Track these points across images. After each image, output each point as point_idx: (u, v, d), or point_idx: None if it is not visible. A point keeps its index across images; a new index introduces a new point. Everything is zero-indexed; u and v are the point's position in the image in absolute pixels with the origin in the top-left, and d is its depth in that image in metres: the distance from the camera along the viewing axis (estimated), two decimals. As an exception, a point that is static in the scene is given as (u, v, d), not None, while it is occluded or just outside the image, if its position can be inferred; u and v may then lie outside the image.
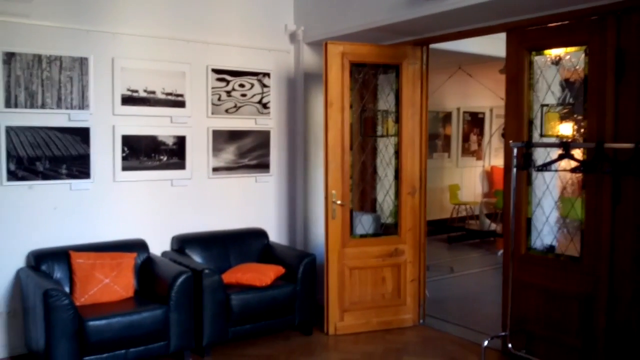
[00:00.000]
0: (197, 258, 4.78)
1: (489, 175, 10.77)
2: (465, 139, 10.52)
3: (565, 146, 3.72)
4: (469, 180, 10.54)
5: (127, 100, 4.67)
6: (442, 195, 10.11)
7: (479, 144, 10.73)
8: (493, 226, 9.33)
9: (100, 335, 3.74)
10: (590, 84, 3.85)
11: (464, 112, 10.43)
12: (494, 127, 10.63)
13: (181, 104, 4.93)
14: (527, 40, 4.21)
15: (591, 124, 3.84)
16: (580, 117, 4.00)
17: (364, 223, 5.12)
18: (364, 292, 4.92)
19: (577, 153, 3.91)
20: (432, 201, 9.45)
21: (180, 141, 4.94)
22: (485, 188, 10.77)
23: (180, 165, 4.95)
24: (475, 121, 10.61)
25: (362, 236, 5.02)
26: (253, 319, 4.45)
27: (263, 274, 4.55)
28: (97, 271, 4.17)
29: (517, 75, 4.27)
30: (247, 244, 5.09)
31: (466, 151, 10.57)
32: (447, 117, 10.27)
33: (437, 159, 10.07)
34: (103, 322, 3.77)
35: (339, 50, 4.76)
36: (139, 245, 4.59)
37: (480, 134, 10.72)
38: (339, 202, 4.78)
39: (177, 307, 4.05)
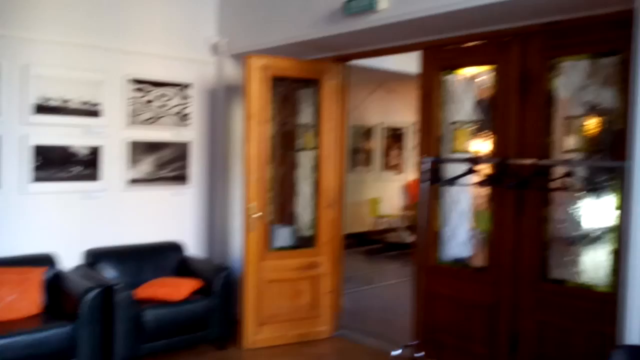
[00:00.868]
0: (110, 273, 4.65)
1: (408, 189, 11.06)
2: (387, 153, 10.79)
3: (472, 162, 3.90)
4: (389, 193, 10.79)
5: (41, 109, 4.50)
6: (363, 208, 10.29)
7: (400, 159, 11.02)
8: (411, 238, 9.58)
9: (1, 356, 3.56)
10: (497, 103, 4.06)
11: (385, 128, 10.69)
12: (413, 142, 10.95)
13: (97, 114, 4.80)
14: (439, 59, 4.40)
15: (497, 141, 4.05)
16: (488, 134, 4.21)
17: (283, 236, 5.15)
18: (281, 304, 4.93)
19: (485, 168, 4.10)
20: (354, 214, 9.64)
21: (96, 152, 4.80)
22: (405, 201, 11.05)
23: (95, 176, 4.81)
24: (396, 136, 10.90)
25: (280, 249, 5.05)
26: (167, 335, 4.37)
27: (178, 288, 4.49)
28: (1, 287, 3.98)
29: (429, 93, 4.44)
30: (162, 257, 5.00)
31: (387, 165, 10.83)
32: (369, 132, 10.49)
33: (359, 173, 10.25)
34: (4, 341, 3.58)
35: (260, 63, 4.79)
36: (48, 260, 4.41)
37: (401, 148, 11.01)
38: (257, 214, 4.79)
39: (87, 324, 3.92)
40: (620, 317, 2.93)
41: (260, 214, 4.80)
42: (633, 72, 2.88)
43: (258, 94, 4.78)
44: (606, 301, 3.39)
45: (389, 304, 6.33)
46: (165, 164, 5.25)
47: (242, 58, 5.03)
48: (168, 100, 5.23)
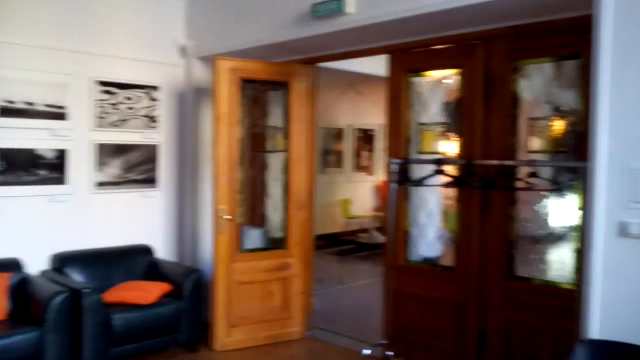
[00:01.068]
0: (78, 277, 4.59)
1: (379, 190, 11.15)
2: (357, 154, 10.85)
3: (439, 163, 3.96)
4: (360, 194, 10.86)
5: (5, 111, 4.43)
6: (335, 209, 10.34)
7: (370, 160, 11.09)
8: (382, 238, 9.65)
9: (-35, 362, 3.50)
10: (463, 105, 4.13)
11: (356, 129, 10.76)
12: (383, 143, 11.03)
13: (63, 117, 4.74)
14: (407, 62, 4.45)
15: (464, 142, 4.12)
16: (454, 135, 4.27)
17: (253, 238, 5.15)
18: (252, 306, 4.93)
19: (451, 169, 4.16)
20: (325, 215, 9.69)
21: (62, 155, 4.74)
22: (376, 202, 11.13)
23: (61, 180, 4.75)
24: (366, 138, 10.97)
25: (250, 251, 5.05)
26: (137, 338, 4.33)
27: (147, 292, 4.45)
28: (-36, 293, 3.91)
29: (397, 95, 4.49)
30: (131, 261, 4.96)
31: (358, 166, 10.90)
32: (339, 134, 10.54)
33: (330, 174, 10.29)
34: (-32, 347, 3.52)
35: (228, 66, 4.79)
36: (13, 265, 4.34)
37: (371, 150, 11.09)
38: (227, 217, 4.79)
39: (54, 329, 3.87)
40: (582, 313, 3.01)
41: (230, 216, 4.79)
42: (593, 75, 2.96)
43: (227, 96, 4.78)
44: (570, 298, 3.48)
45: (360, 304, 6.37)
46: (133, 166, 5.21)
47: (210, 60, 5.02)
48: (136, 102, 5.19)
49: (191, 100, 5.47)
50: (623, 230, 2.86)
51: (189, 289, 4.62)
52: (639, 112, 2.81)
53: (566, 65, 3.74)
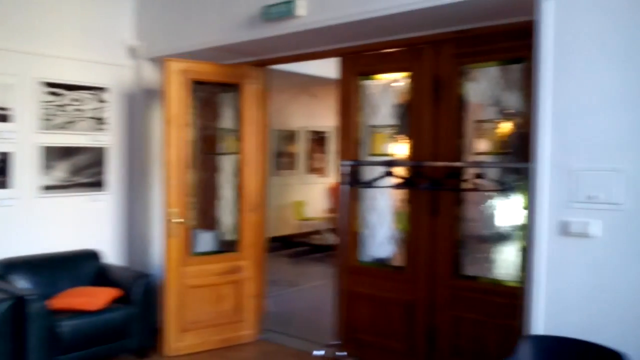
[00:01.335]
0: (23, 284, 4.44)
1: (332, 192, 11.20)
2: (310, 156, 10.88)
3: (389, 165, 4.02)
4: (313, 196, 10.88)
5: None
6: (288, 211, 10.34)
7: (323, 162, 11.14)
8: (335, 240, 9.69)
9: None
10: (412, 108, 4.20)
11: (309, 131, 10.79)
12: (336, 145, 11.09)
13: (7, 119, 4.60)
14: (358, 65, 4.51)
15: (413, 144, 4.19)
16: (403, 138, 4.35)
17: (205, 241, 5.11)
18: (204, 310, 4.89)
19: (401, 170, 4.23)
20: (278, 217, 9.68)
21: (5, 158, 4.59)
22: (329, 204, 11.18)
23: (5, 184, 4.60)
24: (319, 140, 11.02)
25: (202, 254, 5.00)
26: (85, 346, 4.23)
27: (95, 298, 4.36)
28: None
29: (348, 98, 4.54)
30: (79, 266, 4.84)
31: (311, 168, 10.93)
32: (292, 136, 10.55)
33: (283, 176, 10.29)
34: None
35: (179, 67, 4.74)
36: (-47, 272, 4.19)
37: (324, 152, 11.14)
38: (178, 220, 4.73)
39: (-3, 337, 3.75)
40: (527, 310, 3.11)
41: (182, 219, 4.74)
42: (535, 79, 3.07)
43: (177, 98, 4.73)
44: (516, 295, 3.58)
45: (313, 306, 6.39)
46: (81, 169, 5.09)
47: (161, 62, 4.96)
48: (83, 104, 5.08)
49: (141, 102, 5.39)
50: (565, 229, 2.97)
51: (139, 294, 4.55)
52: (578, 115, 2.92)
53: (510, 68, 3.86)
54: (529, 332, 3.06)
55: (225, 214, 5.28)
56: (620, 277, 2.81)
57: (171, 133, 4.70)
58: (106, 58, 5.23)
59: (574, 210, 2.95)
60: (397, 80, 4.45)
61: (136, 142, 5.42)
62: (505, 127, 3.95)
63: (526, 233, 3.40)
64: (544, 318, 3.04)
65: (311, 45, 4.58)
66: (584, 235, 2.91)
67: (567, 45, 2.96)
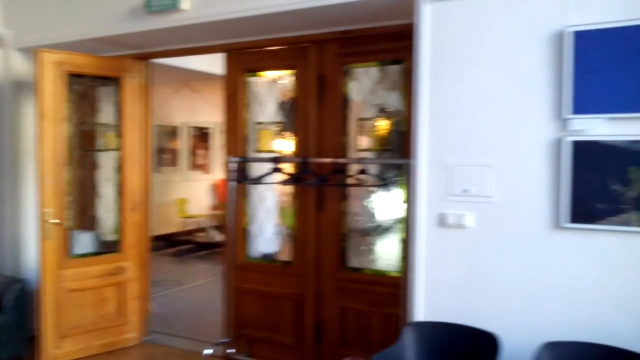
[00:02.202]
0: None
1: (216, 189, 11.09)
2: (193, 153, 10.69)
3: (276, 161, 4.06)
4: (197, 193, 10.71)
5: None
6: (171, 209, 10.10)
7: (206, 158, 10.99)
8: (220, 237, 9.63)
9: None
10: (297, 105, 4.28)
11: (192, 127, 10.59)
12: (220, 141, 10.99)
13: None
14: (243, 61, 4.50)
15: (299, 141, 4.27)
16: (290, 134, 4.41)
17: (84, 242, 4.87)
18: (85, 314, 4.67)
19: (288, 167, 4.30)
20: (161, 215, 9.43)
21: None
22: (213, 201, 11.06)
23: None
24: (202, 136, 10.85)
25: (81, 256, 4.76)
26: (-51, 359, 3.92)
27: (-39, 306, 4.03)
28: None
29: (234, 94, 4.53)
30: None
31: (194, 165, 10.74)
32: (174, 132, 10.31)
33: (165, 173, 10.03)
34: None
35: (53, 59, 4.48)
36: None
37: (207, 148, 10.99)
38: (54, 220, 4.48)
39: None
40: (409, 298, 3.29)
41: (58, 220, 4.49)
42: (414, 80, 3.24)
43: (52, 92, 4.47)
44: (398, 285, 3.77)
45: (200, 305, 6.31)
46: (-60, 168, 4.66)
47: (32, 52, 4.65)
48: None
49: (10, 96, 5.01)
50: (442, 221, 3.18)
51: (11, 301, 4.26)
52: (454, 114, 3.14)
53: (390, 69, 4.04)
54: (411, 319, 3.24)
55: (106, 213, 5.06)
56: (491, 264, 3.06)
57: (46, 128, 4.43)
58: (-32, 47, 4.82)
59: (451, 203, 3.16)
60: (283, 78, 4.50)
61: (5, 138, 5.03)
62: (386, 125, 4.13)
63: (406, 225, 3.60)
64: (425, 305, 3.24)
65: (196, 39, 4.51)
66: (459, 226, 3.13)
67: (444, 48, 3.16)
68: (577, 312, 2.85)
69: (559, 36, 2.86)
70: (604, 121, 2.76)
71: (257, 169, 4.50)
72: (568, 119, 2.83)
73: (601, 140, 2.76)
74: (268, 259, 4.59)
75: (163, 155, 10.01)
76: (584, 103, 2.79)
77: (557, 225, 2.88)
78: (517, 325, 2.97)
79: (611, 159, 2.74)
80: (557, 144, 2.87)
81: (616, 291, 2.77)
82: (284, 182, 4.17)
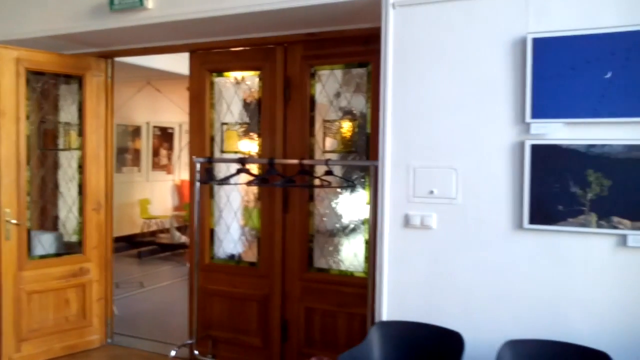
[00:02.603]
0: None
1: (179, 189, 10.99)
2: (156, 153, 10.57)
3: (242, 162, 4.06)
4: (159, 194, 10.59)
5: None
6: (133, 210, 9.96)
7: (169, 159, 10.88)
8: (183, 238, 9.55)
9: None
10: (264, 106, 4.28)
11: (154, 127, 10.47)
12: (183, 142, 10.90)
13: None
14: (209, 62, 4.49)
15: (265, 142, 4.28)
16: (256, 135, 4.41)
17: (45, 243, 4.77)
18: (45, 317, 4.58)
19: (254, 168, 4.30)
20: (122, 216, 9.29)
21: None
22: (176, 201, 10.96)
23: None
24: (165, 136, 10.73)
25: (42, 257, 4.67)
26: None
27: None
28: None
29: (199, 94, 4.50)
30: None
31: (156, 165, 10.62)
32: (136, 131, 10.17)
33: (127, 173, 9.89)
34: None
35: (12, 55, 4.39)
36: None
37: (170, 148, 10.88)
38: (13, 221, 4.38)
39: None
40: (375, 298, 3.33)
41: (17, 220, 4.39)
42: (382, 84, 3.27)
43: (10, 90, 4.38)
44: (363, 285, 3.81)
45: (164, 306, 6.25)
46: None
47: (-8, 48, 4.54)
48: None
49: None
50: (407, 222, 3.23)
51: (-32, 304, 4.15)
52: (417, 117, 3.18)
53: (355, 72, 4.08)
54: (377, 319, 3.28)
55: (68, 213, 4.97)
56: (455, 264, 3.12)
57: (4, 127, 4.34)
58: None
59: (414, 204, 3.22)
60: (248, 79, 4.50)
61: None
62: (351, 127, 4.17)
63: (371, 226, 3.64)
64: (390, 305, 3.28)
65: (160, 38, 4.48)
66: (423, 227, 3.18)
67: (409, 52, 3.21)
68: (539, 311, 2.93)
69: (521, 42, 2.94)
70: (563, 125, 2.85)
71: (223, 169, 4.49)
72: (529, 122, 2.91)
73: (560, 144, 2.85)
74: (234, 260, 4.58)
75: (125, 155, 9.87)
76: (543, 108, 2.88)
77: (518, 226, 2.96)
78: (480, 324, 3.04)
79: (570, 162, 2.83)
80: (519, 147, 2.95)
81: (576, 290, 2.87)
82: (250, 183, 4.17)
